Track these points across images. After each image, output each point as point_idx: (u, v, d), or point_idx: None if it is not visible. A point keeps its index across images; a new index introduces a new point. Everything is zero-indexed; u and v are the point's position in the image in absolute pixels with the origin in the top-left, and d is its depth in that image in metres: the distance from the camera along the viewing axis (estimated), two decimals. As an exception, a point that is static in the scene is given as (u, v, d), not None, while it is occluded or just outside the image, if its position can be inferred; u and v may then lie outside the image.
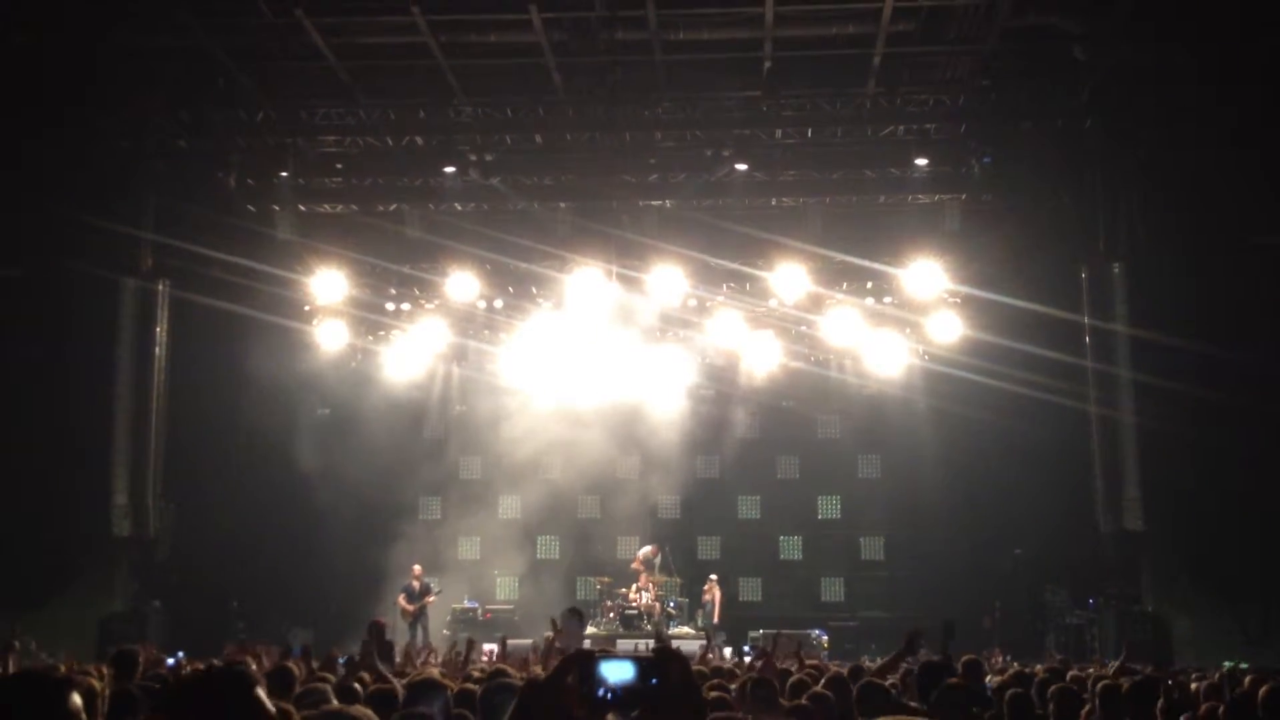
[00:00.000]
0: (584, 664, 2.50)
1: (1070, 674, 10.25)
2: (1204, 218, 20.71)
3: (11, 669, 9.11)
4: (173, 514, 22.91)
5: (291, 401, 25.39)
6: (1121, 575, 21.36)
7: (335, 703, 5.80)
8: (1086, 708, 7.69)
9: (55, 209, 20.49)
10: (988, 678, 10.17)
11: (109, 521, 22.04)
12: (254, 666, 8.52)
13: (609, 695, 2.49)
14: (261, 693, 2.77)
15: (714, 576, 24.48)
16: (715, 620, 23.68)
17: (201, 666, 10.78)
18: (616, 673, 2.49)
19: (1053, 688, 7.90)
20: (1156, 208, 21.12)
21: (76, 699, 3.10)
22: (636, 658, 2.52)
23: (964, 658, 9.85)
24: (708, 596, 24.18)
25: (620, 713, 2.49)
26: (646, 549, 24.35)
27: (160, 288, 22.88)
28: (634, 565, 24.17)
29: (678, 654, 2.53)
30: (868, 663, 12.97)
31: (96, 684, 6.40)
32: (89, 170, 21.41)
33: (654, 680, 2.49)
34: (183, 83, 21.11)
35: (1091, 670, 11.51)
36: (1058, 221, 22.64)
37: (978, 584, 24.21)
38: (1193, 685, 10.13)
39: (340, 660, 13.41)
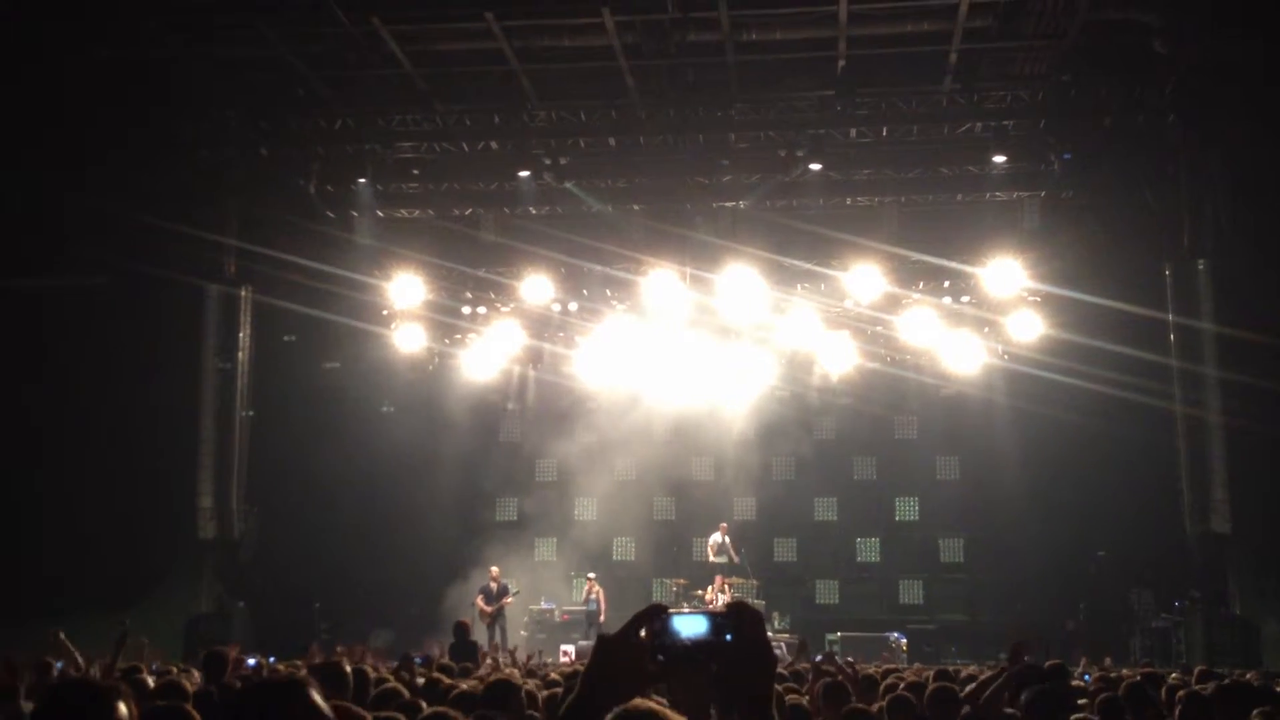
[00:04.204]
0: (656, 618, 2.49)
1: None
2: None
3: (120, 662, 9.40)
4: (256, 517, 23.34)
5: (371, 404, 25.71)
6: (1208, 578, 20.92)
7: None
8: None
9: (139, 217, 20.92)
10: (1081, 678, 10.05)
11: (195, 524, 22.50)
12: (347, 665, 8.64)
13: (682, 650, 2.47)
14: (317, 696, 2.79)
15: (592, 575, 23.65)
16: (602, 620, 22.50)
17: (282, 668, 10.95)
18: (689, 627, 2.48)
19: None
20: (1241, 203, 20.66)
21: (123, 708, 3.18)
22: (710, 613, 2.50)
23: (1048, 662, 9.72)
24: (592, 595, 23.08)
25: (692, 667, 2.48)
26: (715, 536, 24.09)
27: (243, 293, 23.33)
28: (710, 555, 23.95)
29: (752, 610, 2.51)
30: (976, 671, 12.71)
31: (187, 684, 6.52)
32: (172, 179, 21.88)
33: (728, 636, 2.47)
34: (262, 92, 21.51)
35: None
36: (1140, 218, 22.23)
37: (1059, 587, 23.84)
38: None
39: (418, 660, 13.57)
